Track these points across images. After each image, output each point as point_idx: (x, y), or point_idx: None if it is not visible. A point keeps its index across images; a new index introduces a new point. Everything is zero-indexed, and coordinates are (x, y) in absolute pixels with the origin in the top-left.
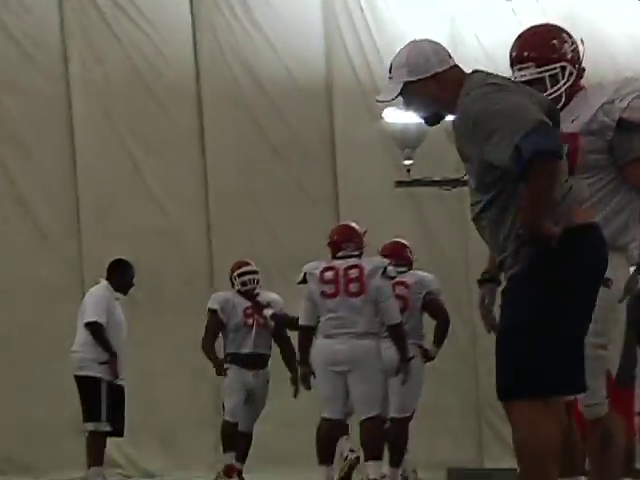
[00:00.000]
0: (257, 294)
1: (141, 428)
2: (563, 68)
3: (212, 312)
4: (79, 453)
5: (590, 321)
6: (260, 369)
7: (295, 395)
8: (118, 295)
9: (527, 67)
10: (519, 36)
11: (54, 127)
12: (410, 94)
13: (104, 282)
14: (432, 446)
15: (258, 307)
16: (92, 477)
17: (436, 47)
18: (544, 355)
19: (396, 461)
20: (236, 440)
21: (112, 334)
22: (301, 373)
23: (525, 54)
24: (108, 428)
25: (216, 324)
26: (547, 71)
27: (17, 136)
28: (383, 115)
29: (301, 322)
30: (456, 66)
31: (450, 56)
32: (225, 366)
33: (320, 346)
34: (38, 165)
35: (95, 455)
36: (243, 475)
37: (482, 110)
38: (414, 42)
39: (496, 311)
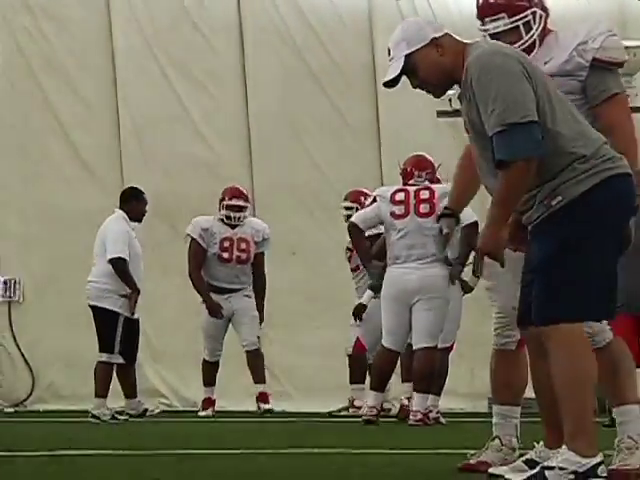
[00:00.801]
0: (240, 223)
1: (183, 358)
2: (534, 14)
3: (192, 239)
4: (118, 384)
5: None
6: (236, 292)
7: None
8: (134, 225)
9: (499, 18)
10: None
11: (96, 59)
12: (414, 66)
13: (120, 212)
14: (473, 376)
15: (239, 241)
16: (96, 408)
17: (427, 19)
18: (582, 283)
19: (437, 391)
20: (213, 373)
21: (131, 266)
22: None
23: (496, 5)
24: (120, 360)
25: (198, 252)
26: (520, 19)
27: (59, 68)
28: None
29: (354, 219)
30: (451, 35)
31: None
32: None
33: (390, 276)
34: (80, 97)
35: (103, 386)
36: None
37: (484, 70)
38: (405, 20)
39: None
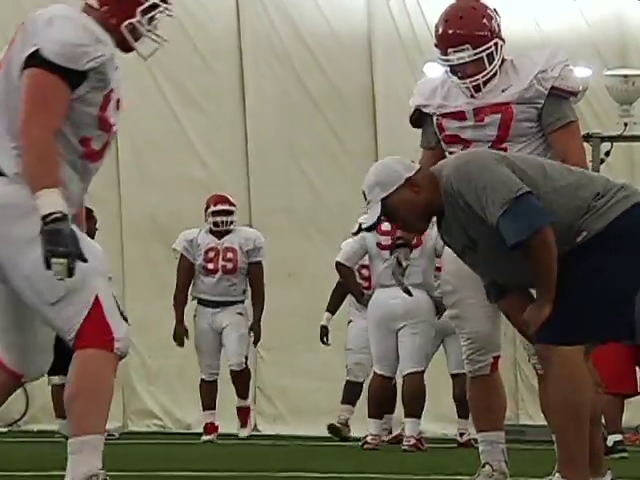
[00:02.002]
0: (229, 231)
1: (178, 379)
2: (496, 44)
3: (180, 254)
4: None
5: None
6: (229, 306)
7: (254, 343)
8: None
9: (463, 49)
10: (445, 18)
11: None
12: (392, 209)
13: None
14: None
15: (225, 250)
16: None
17: (396, 158)
18: (601, 307)
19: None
20: (212, 396)
21: None
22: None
23: (459, 36)
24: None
25: (185, 267)
26: (484, 51)
27: None
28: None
29: (339, 259)
30: (420, 168)
31: (413, 161)
32: (194, 312)
33: (375, 301)
34: None
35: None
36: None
37: (464, 181)
38: (376, 164)
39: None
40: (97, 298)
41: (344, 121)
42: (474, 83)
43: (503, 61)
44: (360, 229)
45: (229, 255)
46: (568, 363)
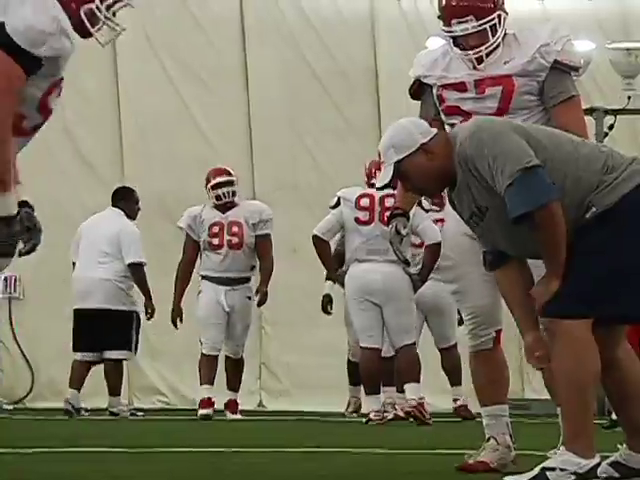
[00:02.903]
0: (234, 205)
1: (182, 355)
2: (499, 16)
3: (185, 231)
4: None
5: None
6: (237, 285)
7: (258, 304)
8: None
9: (467, 21)
10: None
11: (98, 56)
12: (404, 173)
13: (117, 211)
14: None
15: (230, 224)
16: (115, 405)
17: (415, 120)
18: (608, 282)
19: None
20: (212, 371)
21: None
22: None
23: (463, 7)
24: (132, 356)
25: (188, 245)
26: (487, 22)
27: None
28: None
29: (316, 231)
30: (438, 132)
31: (431, 124)
32: (199, 288)
33: (353, 275)
34: (82, 94)
35: (120, 383)
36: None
37: (478, 150)
38: (395, 123)
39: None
40: None
41: (347, 98)
42: (477, 55)
43: (506, 34)
44: (338, 203)
45: (234, 229)
46: (572, 337)
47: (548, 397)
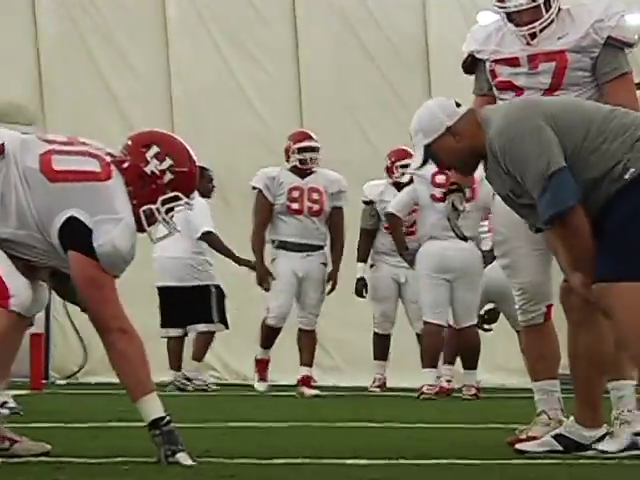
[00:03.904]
0: (312, 171)
1: (234, 330)
2: None
3: (258, 192)
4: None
5: None
6: (313, 252)
7: (329, 292)
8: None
9: None
10: None
11: (149, 32)
12: (434, 155)
13: None
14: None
15: (310, 191)
16: (195, 370)
17: (442, 102)
18: None
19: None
20: (272, 340)
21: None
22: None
23: None
24: (222, 328)
25: (264, 205)
26: None
27: (112, 41)
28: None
29: (390, 209)
30: (467, 112)
31: (459, 105)
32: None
33: (429, 252)
34: (133, 70)
35: (204, 352)
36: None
37: (505, 148)
38: (422, 106)
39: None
40: None
41: (398, 72)
42: (531, 31)
43: (559, 9)
44: (411, 180)
45: (315, 196)
46: (634, 299)
47: None
